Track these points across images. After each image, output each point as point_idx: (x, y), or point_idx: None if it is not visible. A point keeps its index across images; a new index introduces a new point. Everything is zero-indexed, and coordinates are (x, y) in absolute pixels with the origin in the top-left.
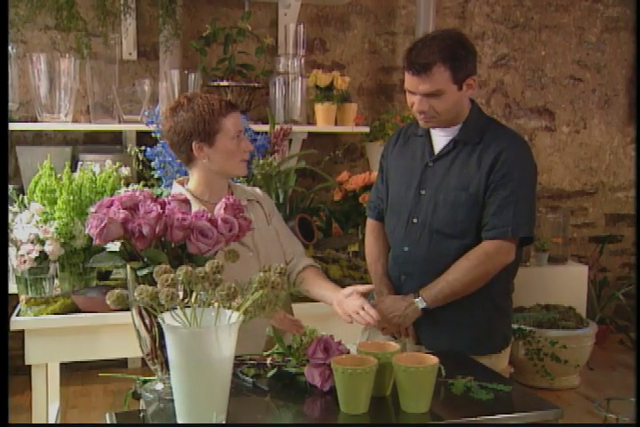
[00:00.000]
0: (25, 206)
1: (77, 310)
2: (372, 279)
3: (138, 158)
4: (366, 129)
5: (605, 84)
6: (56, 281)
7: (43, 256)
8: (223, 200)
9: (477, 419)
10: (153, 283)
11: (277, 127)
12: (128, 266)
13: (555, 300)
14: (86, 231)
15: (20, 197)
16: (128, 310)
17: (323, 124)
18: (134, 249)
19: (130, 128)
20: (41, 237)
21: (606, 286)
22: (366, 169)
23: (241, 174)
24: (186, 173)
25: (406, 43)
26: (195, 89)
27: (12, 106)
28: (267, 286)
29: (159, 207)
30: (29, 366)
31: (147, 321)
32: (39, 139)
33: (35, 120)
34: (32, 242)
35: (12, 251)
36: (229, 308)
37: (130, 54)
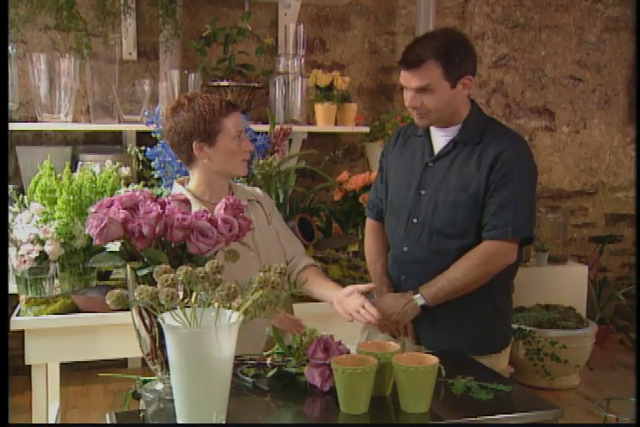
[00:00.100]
0: (25, 206)
1: (77, 310)
2: (371, 279)
3: (138, 158)
4: (366, 129)
5: (605, 84)
6: (56, 281)
7: (43, 256)
8: (223, 200)
9: (477, 419)
10: (153, 283)
11: (277, 127)
12: (128, 266)
13: (555, 300)
14: (86, 231)
15: (20, 197)
16: (128, 310)
17: (323, 124)
18: (134, 249)
19: (130, 128)
20: (41, 237)
21: (606, 286)
22: (366, 169)
23: (241, 174)
24: (186, 173)
25: (406, 43)
26: (195, 89)
27: (12, 106)
28: (267, 286)
29: (159, 207)
30: (29, 366)
31: (147, 321)
32: (39, 139)
33: (35, 120)
34: (32, 242)
35: (12, 251)
36: (229, 308)
37: (130, 54)
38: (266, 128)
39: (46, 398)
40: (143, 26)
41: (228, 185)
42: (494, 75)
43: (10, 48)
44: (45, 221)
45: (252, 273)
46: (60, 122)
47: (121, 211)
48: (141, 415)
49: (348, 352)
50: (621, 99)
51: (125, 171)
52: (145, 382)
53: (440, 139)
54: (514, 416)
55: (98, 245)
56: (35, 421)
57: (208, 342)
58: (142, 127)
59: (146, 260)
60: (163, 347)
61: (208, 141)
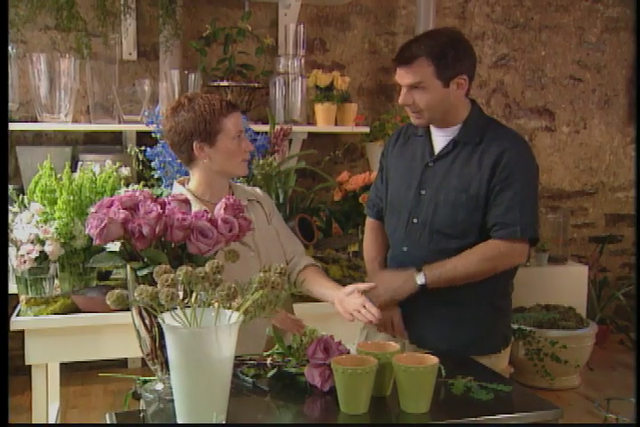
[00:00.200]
0: (25, 206)
1: (77, 310)
2: (368, 277)
3: (138, 158)
4: (366, 129)
5: (605, 84)
6: (56, 281)
7: (43, 256)
8: (223, 200)
9: (477, 419)
10: (153, 283)
11: (277, 127)
12: (128, 266)
13: (555, 300)
14: (86, 231)
15: (20, 197)
16: (128, 310)
17: (323, 124)
18: (134, 249)
19: (130, 128)
20: (41, 237)
21: (606, 286)
22: (366, 169)
23: (242, 174)
24: (186, 173)
25: None
26: (195, 89)
27: (12, 106)
28: (267, 286)
29: (159, 207)
30: (29, 367)
31: (147, 321)
32: (39, 139)
33: (35, 120)
34: (32, 242)
35: (12, 251)
36: (229, 308)
37: (130, 54)
38: (266, 128)
39: (46, 398)
40: (143, 26)
41: (228, 185)
42: (494, 75)
43: (10, 48)
44: (45, 222)
45: (252, 273)
46: (60, 122)
47: (121, 211)
48: (141, 415)
49: (348, 352)
50: (621, 99)
51: (125, 171)
52: (145, 382)
53: (440, 139)
54: (514, 416)
55: (98, 246)
56: (35, 421)
57: (208, 342)
58: (142, 127)
59: (146, 260)
60: (163, 347)
61: (208, 141)
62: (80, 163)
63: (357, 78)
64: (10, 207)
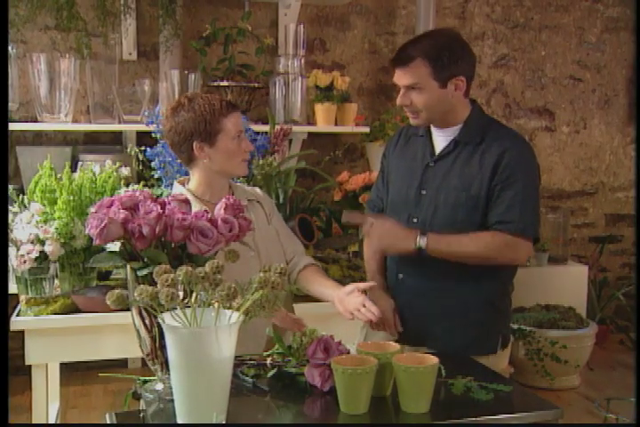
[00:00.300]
0: (25, 206)
1: (77, 311)
2: (366, 276)
3: (138, 158)
4: (366, 129)
5: (605, 84)
6: (56, 281)
7: (43, 256)
8: (223, 200)
9: (477, 419)
10: (153, 283)
11: (277, 127)
12: (128, 266)
13: (555, 300)
14: (86, 231)
15: (20, 197)
16: (128, 310)
17: (323, 124)
18: (134, 249)
19: (130, 128)
20: (41, 237)
21: (606, 286)
22: (366, 169)
23: (242, 174)
24: (186, 174)
25: None
26: (195, 89)
27: (12, 106)
28: (267, 287)
29: (159, 207)
30: (29, 367)
31: (147, 321)
32: (39, 139)
33: (35, 120)
34: (32, 242)
35: (12, 251)
36: (229, 308)
37: (130, 54)
38: (266, 128)
39: (46, 398)
40: (143, 26)
41: (228, 185)
42: (494, 75)
43: (10, 48)
44: (45, 222)
45: (252, 273)
46: (60, 122)
47: (121, 211)
48: (141, 415)
49: (348, 352)
50: (621, 99)
51: (125, 171)
52: (145, 382)
53: (441, 139)
54: (514, 416)
55: (98, 246)
56: (35, 421)
57: (208, 342)
58: (142, 127)
59: (146, 260)
60: (163, 347)
61: (208, 141)
62: (80, 163)
63: (357, 78)
64: (10, 207)
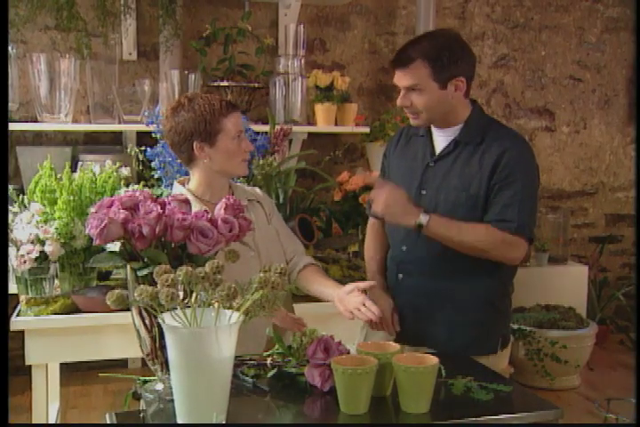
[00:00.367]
0: (25, 207)
1: (77, 311)
2: (367, 275)
3: (138, 159)
4: (366, 129)
5: (605, 84)
6: (56, 281)
7: (43, 256)
8: (223, 200)
9: (477, 419)
10: (153, 283)
11: (277, 127)
12: (128, 266)
13: (555, 300)
14: (86, 231)
15: (20, 197)
16: (128, 310)
17: (323, 124)
18: (134, 249)
19: (130, 128)
20: (41, 237)
21: (606, 286)
22: (366, 169)
23: (242, 174)
24: (186, 174)
25: None
26: (195, 89)
27: (12, 106)
28: (267, 287)
29: (159, 208)
30: (29, 367)
31: (147, 321)
32: (39, 139)
33: (35, 120)
34: (32, 242)
35: (12, 251)
36: (229, 308)
37: (130, 54)
38: (266, 128)
39: (46, 398)
40: (143, 26)
41: (228, 185)
42: (494, 75)
43: (10, 48)
44: (45, 222)
45: (252, 273)
46: (60, 122)
47: (121, 211)
48: (141, 416)
49: (348, 352)
50: (621, 99)
51: (125, 171)
52: (145, 382)
53: (441, 139)
54: (514, 416)
55: (98, 246)
56: (35, 421)
57: (208, 342)
58: (142, 127)
59: (146, 260)
60: (163, 347)
61: (208, 141)
62: (80, 163)
63: (357, 78)
64: (10, 207)
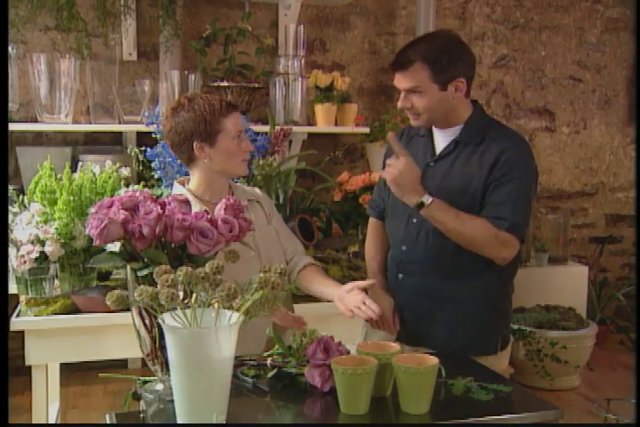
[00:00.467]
0: (25, 207)
1: (77, 311)
2: (367, 276)
3: (138, 159)
4: (366, 130)
5: (605, 84)
6: (56, 282)
7: (43, 257)
8: (223, 201)
9: (477, 419)
10: (153, 283)
11: (277, 128)
12: (128, 266)
13: (555, 300)
14: (86, 232)
15: (20, 197)
16: (128, 310)
17: (323, 124)
18: (134, 250)
19: (130, 129)
20: (41, 237)
21: (606, 286)
22: (366, 170)
23: (242, 174)
24: (186, 174)
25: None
26: (195, 89)
27: (12, 106)
28: (267, 287)
29: (159, 208)
30: (29, 367)
31: (147, 322)
32: (39, 139)
33: (35, 121)
34: (32, 242)
35: (12, 251)
36: (229, 308)
37: (130, 55)
38: (266, 129)
39: (46, 398)
40: (143, 26)
41: (228, 185)
42: (494, 75)
43: (10, 48)
44: (45, 222)
45: (252, 273)
46: (61, 122)
47: (121, 211)
48: (141, 416)
49: (348, 353)
50: (621, 99)
51: (125, 171)
52: (145, 382)
53: (442, 139)
54: (514, 417)
55: (98, 246)
56: (35, 421)
57: (208, 342)
58: (142, 128)
59: (146, 260)
60: (163, 347)
61: (209, 141)
62: (80, 163)
63: (357, 79)
64: (10, 208)
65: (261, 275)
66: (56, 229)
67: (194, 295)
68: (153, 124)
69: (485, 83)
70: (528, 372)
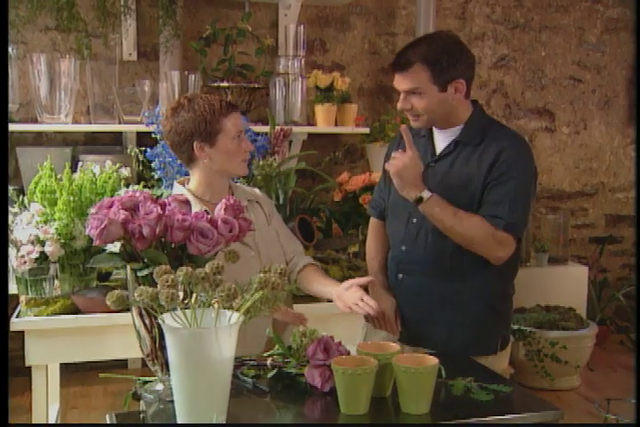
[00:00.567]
0: (25, 207)
1: (77, 311)
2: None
3: (138, 159)
4: (366, 130)
5: (605, 84)
6: (56, 282)
7: (43, 257)
8: (223, 201)
9: (477, 420)
10: (153, 284)
11: (277, 128)
12: (128, 267)
13: (555, 300)
14: (86, 232)
15: (21, 197)
16: (128, 310)
17: (323, 124)
18: (134, 250)
19: (130, 129)
20: (41, 237)
21: (606, 286)
22: (366, 170)
23: (242, 174)
24: (186, 174)
25: (406, 44)
26: (195, 90)
27: (12, 107)
28: (267, 287)
29: (159, 208)
30: (29, 368)
31: (147, 322)
32: (39, 140)
33: (35, 121)
34: (32, 243)
35: (12, 252)
36: (229, 308)
37: (130, 55)
38: (266, 129)
39: (46, 398)
40: (143, 27)
41: (228, 185)
42: (494, 75)
43: (10, 49)
44: (45, 222)
45: (252, 273)
46: (61, 123)
47: (121, 212)
48: (141, 416)
49: (349, 353)
50: (621, 100)
51: (125, 171)
52: (145, 382)
53: (442, 139)
54: (514, 417)
55: (98, 246)
56: (35, 421)
57: (208, 342)
58: (142, 128)
59: (146, 260)
60: (163, 348)
61: (209, 141)
62: (80, 163)
63: (357, 79)
64: (10, 208)
65: (261, 275)
66: (56, 229)
67: (194, 296)
68: (153, 124)
69: (485, 83)
70: (528, 372)
